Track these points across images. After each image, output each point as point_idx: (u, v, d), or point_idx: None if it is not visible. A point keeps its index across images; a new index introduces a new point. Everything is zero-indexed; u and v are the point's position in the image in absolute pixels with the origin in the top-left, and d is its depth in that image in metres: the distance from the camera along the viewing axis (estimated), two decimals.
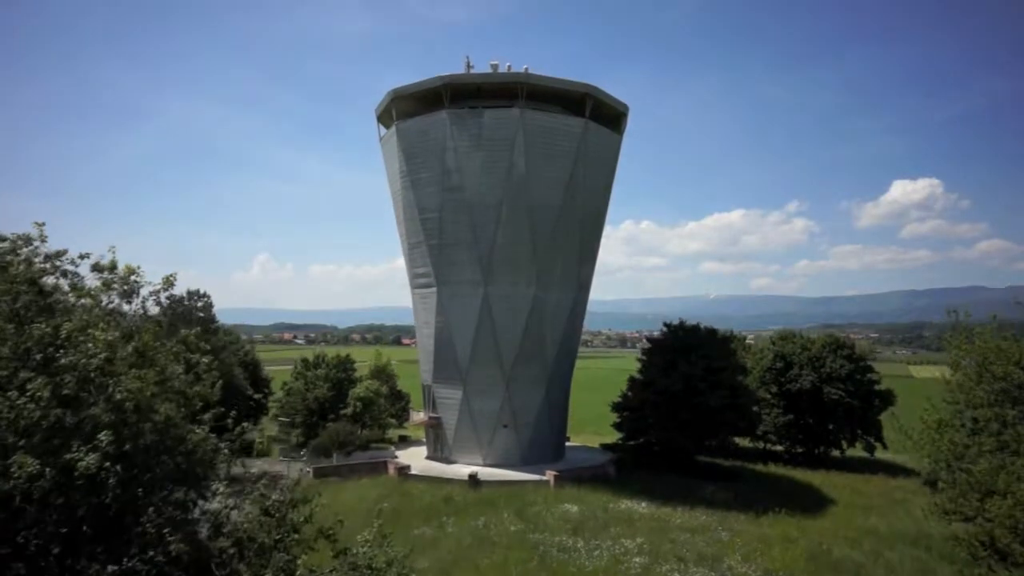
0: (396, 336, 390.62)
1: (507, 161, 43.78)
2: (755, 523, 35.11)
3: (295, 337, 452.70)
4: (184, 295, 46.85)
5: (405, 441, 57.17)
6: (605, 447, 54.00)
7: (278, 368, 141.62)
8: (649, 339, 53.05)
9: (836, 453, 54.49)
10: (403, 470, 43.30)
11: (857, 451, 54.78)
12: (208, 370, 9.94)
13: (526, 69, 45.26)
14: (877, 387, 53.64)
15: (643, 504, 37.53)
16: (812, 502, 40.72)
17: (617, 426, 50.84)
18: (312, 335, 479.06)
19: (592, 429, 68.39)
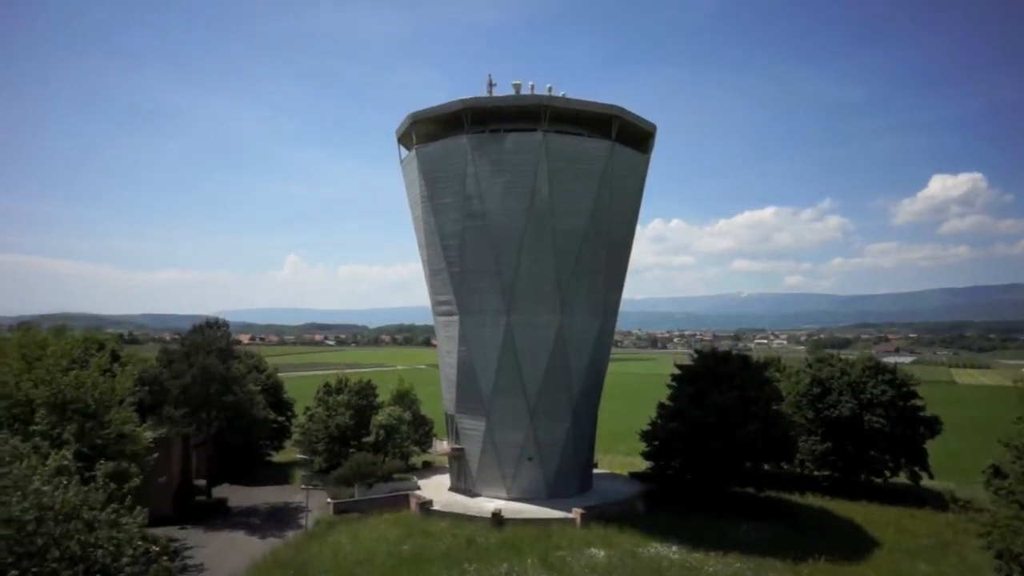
0: (426, 337, 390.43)
1: (530, 186, 42.28)
2: (793, 572, 33.29)
3: (325, 338, 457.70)
4: (203, 323, 46.36)
5: (429, 468, 56.12)
6: (634, 476, 52.24)
7: (307, 374, 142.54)
8: (679, 365, 51.05)
9: (878, 481, 51.87)
10: (425, 505, 42.21)
11: (901, 478, 52.11)
12: None
13: (549, 89, 43.70)
14: (921, 414, 50.92)
15: (673, 548, 35.87)
16: (854, 544, 38.55)
17: (646, 455, 49.06)
18: (343, 336, 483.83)
19: (623, 447, 66.31)
